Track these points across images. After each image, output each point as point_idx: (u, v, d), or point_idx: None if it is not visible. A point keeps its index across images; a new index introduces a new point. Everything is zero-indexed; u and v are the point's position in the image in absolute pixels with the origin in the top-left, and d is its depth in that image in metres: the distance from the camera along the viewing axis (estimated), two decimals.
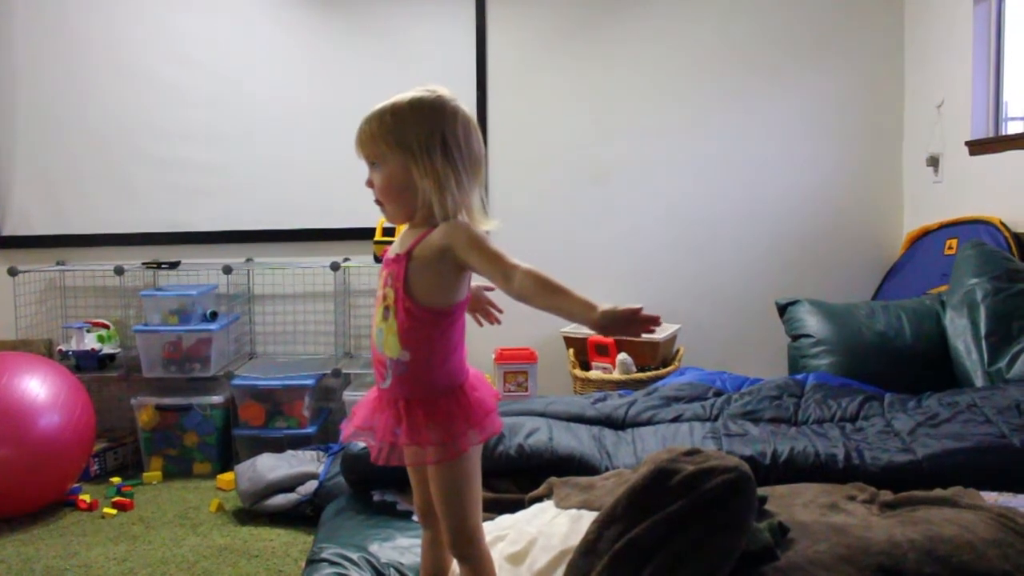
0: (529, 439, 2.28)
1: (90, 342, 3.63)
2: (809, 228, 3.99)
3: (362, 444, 2.27)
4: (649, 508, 1.45)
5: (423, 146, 1.46)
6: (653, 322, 1.37)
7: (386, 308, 1.51)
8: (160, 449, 3.57)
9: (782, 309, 3.36)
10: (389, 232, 3.54)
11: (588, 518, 1.67)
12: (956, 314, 2.94)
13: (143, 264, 3.77)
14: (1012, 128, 3.53)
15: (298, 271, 3.89)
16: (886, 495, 1.93)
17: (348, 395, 3.55)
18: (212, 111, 3.87)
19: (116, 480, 3.34)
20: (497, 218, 1.56)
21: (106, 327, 3.73)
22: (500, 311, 1.72)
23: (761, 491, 1.60)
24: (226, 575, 2.55)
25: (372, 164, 1.54)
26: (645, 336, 1.41)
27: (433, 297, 1.48)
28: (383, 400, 1.55)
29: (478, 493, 1.55)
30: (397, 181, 1.50)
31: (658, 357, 3.53)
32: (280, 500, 2.96)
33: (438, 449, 1.48)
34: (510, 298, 1.43)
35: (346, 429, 1.62)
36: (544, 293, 1.37)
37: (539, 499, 2.04)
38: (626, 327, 1.35)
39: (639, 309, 1.34)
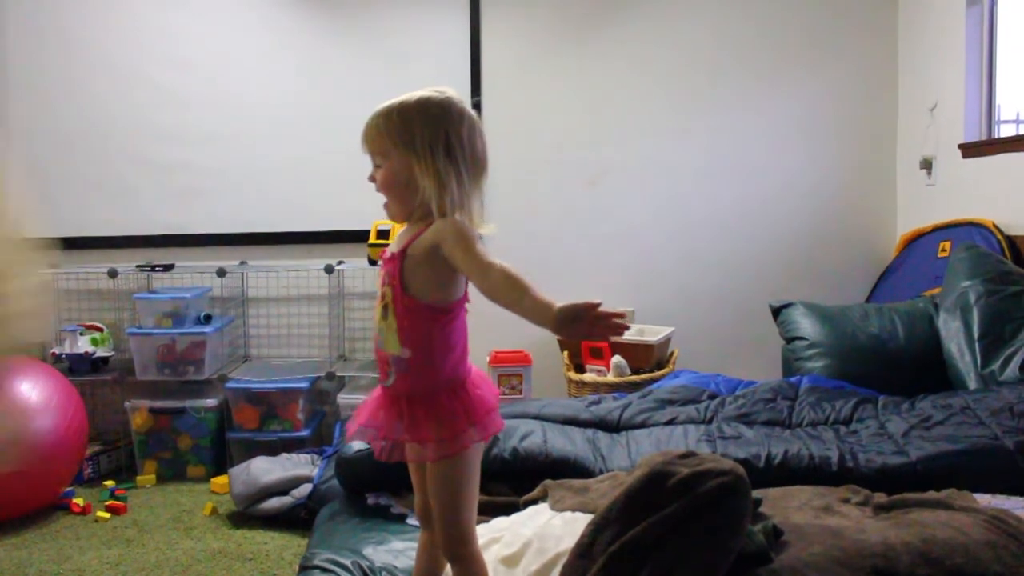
0: (524, 442, 2.28)
1: (83, 345, 3.62)
2: (803, 230, 4.00)
3: (357, 447, 2.28)
4: (644, 510, 1.45)
5: (427, 145, 1.48)
6: (614, 323, 1.33)
7: (385, 307, 1.53)
8: (154, 452, 3.56)
9: (776, 312, 3.36)
10: (383, 235, 3.54)
11: (583, 520, 1.67)
12: (949, 316, 2.95)
13: (137, 267, 3.76)
14: (1005, 131, 3.54)
15: (292, 274, 3.89)
16: (880, 497, 1.94)
17: (343, 398, 3.54)
18: (206, 113, 3.86)
19: (109, 484, 3.32)
20: (490, 220, 1.58)
21: (99, 330, 3.72)
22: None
23: (755, 494, 1.61)
24: None
25: (376, 160, 1.55)
26: (615, 338, 1.38)
27: (429, 294, 1.50)
28: (386, 398, 1.57)
29: (474, 495, 1.56)
30: (399, 178, 1.52)
31: (652, 360, 3.53)
32: (274, 503, 2.95)
33: (439, 446, 1.49)
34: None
35: (351, 427, 1.64)
36: (509, 290, 1.37)
37: (534, 502, 2.04)
38: (590, 326, 1.33)
39: (597, 304, 1.31)
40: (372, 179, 1.57)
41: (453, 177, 1.49)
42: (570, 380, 3.55)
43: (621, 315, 1.34)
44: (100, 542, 2.84)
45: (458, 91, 1.57)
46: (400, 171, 1.51)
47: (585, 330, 1.33)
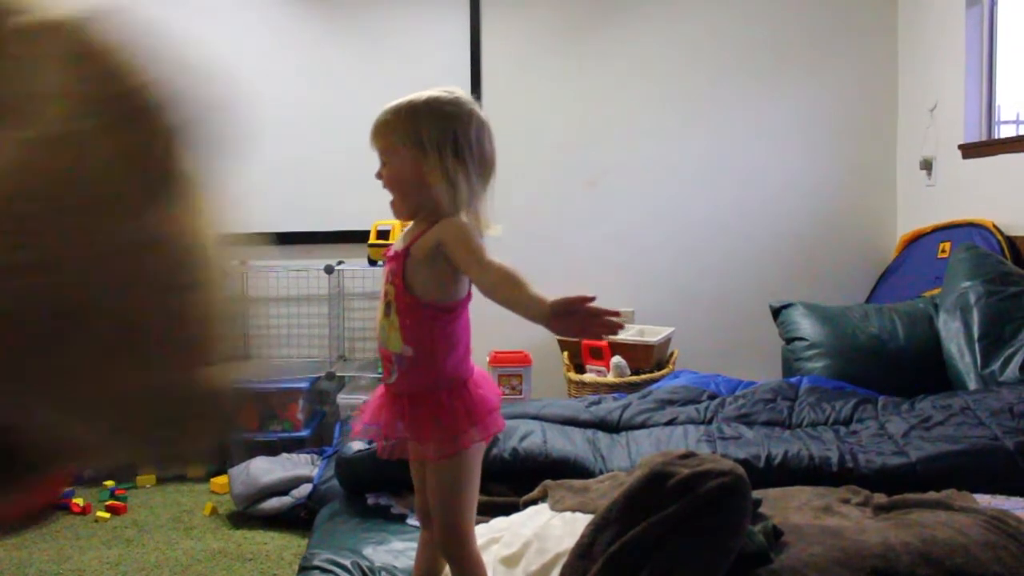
0: (523, 442, 2.28)
1: None
2: (803, 231, 4.00)
3: (357, 447, 2.28)
4: (644, 511, 1.45)
5: (435, 144, 1.49)
6: (607, 321, 1.34)
7: (387, 304, 1.54)
8: None
9: (776, 312, 3.36)
10: (383, 235, 3.54)
11: (583, 521, 1.67)
12: (949, 317, 2.95)
13: None
14: (1005, 131, 3.55)
15: (292, 274, 3.89)
16: (880, 498, 1.94)
17: (343, 398, 3.54)
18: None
19: (109, 483, 3.32)
20: (493, 221, 1.58)
21: None
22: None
23: (755, 494, 1.61)
24: None
25: (384, 157, 1.56)
26: (611, 337, 1.40)
27: (432, 293, 1.51)
28: (389, 396, 1.58)
29: (474, 496, 1.56)
30: (405, 176, 1.52)
31: (652, 360, 3.53)
32: (274, 503, 2.95)
33: (439, 445, 1.50)
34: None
35: (356, 426, 1.64)
36: (505, 286, 1.39)
37: (534, 502, 2.04)
38: (584, 322, 1.34)
39: (590, 298, 1.33)
40: (379, 176, 1.57)
41: (461, 177, 1.49)
42: (570, 380, 3.54)
43: (616, 313, 1.34)
44: (100, 542, 2.84)
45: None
46: (407, 169, 1.51)
47: (579, 326, 1.35)
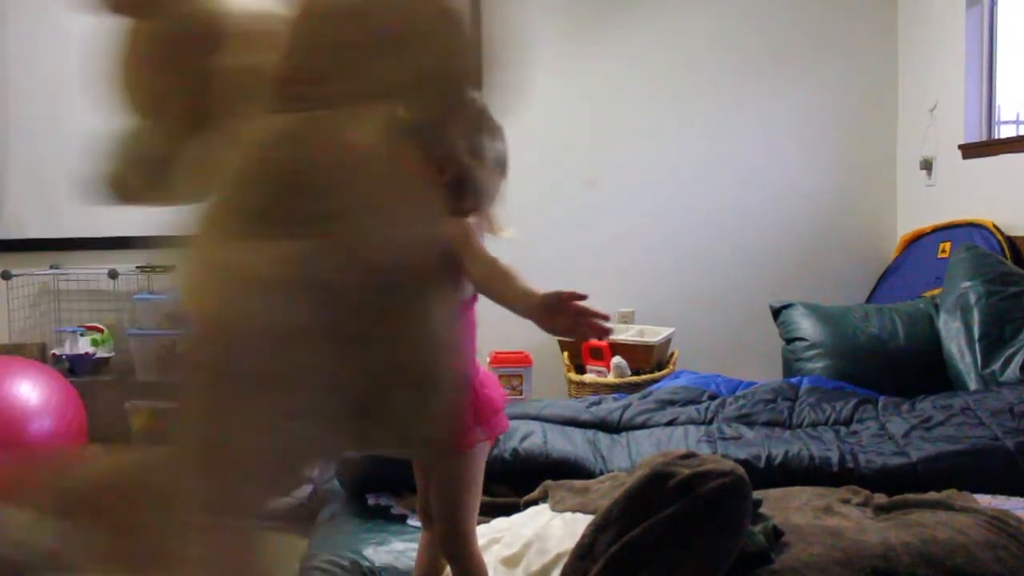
0: (524, 443, 2.28)
1: (84, 346, 3.61)
2: (803, 231, 3.99)
3: None
4: (645, 511, 1.45)
5: (446, 143, 1.48)
6: (596, 324, 1.34)
7: None
8: None
9: (776, 312, 3.36)
10: None
11: (583, 521, 1.67)
12: (949, 317, 2.95)
13: (137, 268, 3.75)
14: (1005, 131, 3.55)
15: None
16: (880, 498, 1.94)
17: None
18: None
19: None
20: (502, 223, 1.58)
21: (100, 331, 3.72)
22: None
23: (756, 494, 1.61)
24: None
25: None
26: (603, 337, 1.40)
27: None
28: None
29: (477, 497, 1.56)
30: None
31: (652, 361, 3.53)
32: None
33: (443, 443, 1.49)
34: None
35: None
36: (498, 281, 1.40)
37: (534, 502, 2.04)
38: (573, 320, 1.33)
39: (579, 296, 1.33)
40: None
41: (470, 177, 1.49)
42: (570, 381, 3.54)
43: (605, 316, 1.34)
44: None
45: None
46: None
47: (567, 324, 1.34)
